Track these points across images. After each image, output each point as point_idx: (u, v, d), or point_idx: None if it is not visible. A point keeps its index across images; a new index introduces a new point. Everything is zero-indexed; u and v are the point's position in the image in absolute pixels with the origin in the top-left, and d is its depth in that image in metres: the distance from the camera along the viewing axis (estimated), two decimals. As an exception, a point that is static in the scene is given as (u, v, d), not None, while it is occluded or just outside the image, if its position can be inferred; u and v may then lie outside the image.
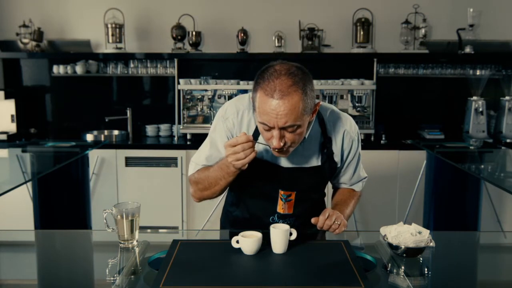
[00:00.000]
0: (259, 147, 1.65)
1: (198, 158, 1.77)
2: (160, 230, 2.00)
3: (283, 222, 1.69)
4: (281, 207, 1.70)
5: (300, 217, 1.72)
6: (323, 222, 1.57)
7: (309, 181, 1.71)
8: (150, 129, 4.14)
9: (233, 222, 1.84)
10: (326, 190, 1.88)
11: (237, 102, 1.71)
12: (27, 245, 1.80)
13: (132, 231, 1.55)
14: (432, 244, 1.48)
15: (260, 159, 1.65)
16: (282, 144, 1.49)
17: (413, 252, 1.47)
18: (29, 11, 4.11)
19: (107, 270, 1.44)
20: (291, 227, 1.60)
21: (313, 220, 1.59)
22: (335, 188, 1.91)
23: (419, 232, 1.49)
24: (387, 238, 1.51)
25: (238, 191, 1.79)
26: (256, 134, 1.66)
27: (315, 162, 1.70)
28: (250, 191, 1.72)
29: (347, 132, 1.72)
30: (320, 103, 1.62)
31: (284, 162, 1.68)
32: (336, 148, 1.72)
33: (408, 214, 3.70)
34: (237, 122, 1.68)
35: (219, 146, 1.70)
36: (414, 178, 3.66)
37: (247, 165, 1.51)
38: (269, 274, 1.36)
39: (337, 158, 1.73)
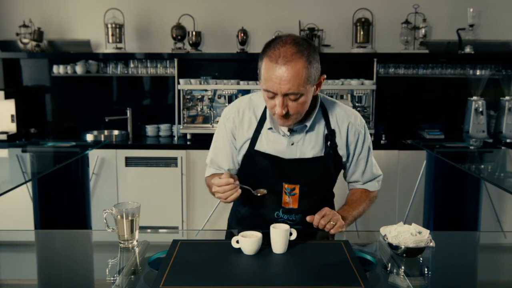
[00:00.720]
0: (261, 138, 1.68)
1: (207, 159, 1.85)
2: (160, 230, 2.00)
3: (288, 218, 1.70)
4: (285, 201, 1.70)
5: (306, 213, 1.70)
6: (318, 221, 1.58)
7: (312, 174, 1.70)
8: (150, 129, 4.14)
9: (240, 221, 1.85)
10: (338, 192, 1.87)
11: (236, 103, 1.77)
12: (27, 245, 1.80)
13: (132, 231, 1.55)
14: (432, 244, 1.48)
15: (263, 153, 1.68)
16: (284, 112, 1.52)
17: (413, 252, 1.47)
18: (29, 11, 4.11)
19: (107, 270, 1.44)
20: (297, 224, 1.61)
21: (308, 218, 1.59)
22: (351, 189, 1.89)
23: (419, 232, 1.49)
24: (387, 238, 1.51)
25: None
26: (258, 130, 1.68)
27: (318, 153, 1.70)
28: (255, 186, 1.72)
29: (352, 125, 1.73)
30: (325, 76, 1.63)
31: (287, 154, 1.68)
32: (340, 140, 1.72)
33: (408, 214, 3.70)
34: (238, 120, 1.72)
35: (220, 147, 1.76)
36: (414, 178, 3.66)
37: (236, 198, 1.55)
38: (269, 274, 1.36)
39: (341, 151, 1.73)
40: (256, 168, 1.69)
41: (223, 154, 1.77)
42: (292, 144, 1.68)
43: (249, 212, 1.80)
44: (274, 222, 1.56)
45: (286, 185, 1.68)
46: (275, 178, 1.68)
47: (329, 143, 1.70)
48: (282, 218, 1.71)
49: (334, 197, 1.89)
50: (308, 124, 1.66)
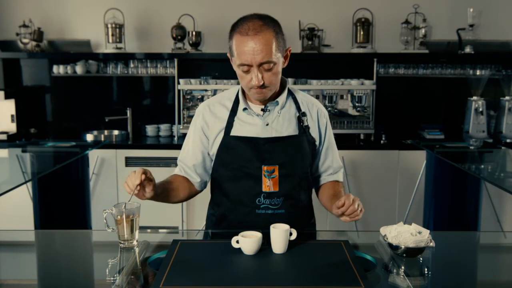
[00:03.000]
0: (236, 124, 1.73)
1: (178, 157, 1.88)
2: (160, 230, 2.00)
3: (270, 203, 1.70)
4: (266, 185, 1.70)
5: (287, 197, 1.72)
6: (347, 207, 1.50)
7: (289, 153, 1.72)
8: (150, 129, 4.14)
9: (219, 222, 1.81)
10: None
11: (206, 100, 1.86)
12: (27, 245, 1.80)
13: (132, 231, 1.55)
14: (432, 244, 1.48)
15: (239, 136, 1.71)
16: (261, 83, 1.60)
17: (413, 252, 1.47)
18: (29, 11, 4.11)
19: (107, 270, 1.44)
20: (279, 208, 1.67)
21: (339, 204, 1.51)
22: (319, 186, 1.88)
23: (419, 232, 1.49)
24: (387, 238, 1.51)
25: (219, 187, 1.79)
26: (232, 116, 1.74)
27: (293, 132, 1.76)
28: (234, 174, 1.73)
29: (321, 111, 1.83)
30: (291, 48, 1.71)
31: (263, 134, 1.72)
32: (312, 122, 1.79)
33: (408, 214, 3.70)
34: (209, 115, 1.79)
35: (189, 143, 1.83)
36: (414, 178, 3.66)
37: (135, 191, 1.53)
38: (269, 274, 1.36)
39: (314, 133, 1.78)
40: (233, 156, 1.71)
41: (189, 150, 1.81)
42: (267, 124, 1.72)
43: (227, 210, 1.77)
44: (256, 210, 1.67)
45: (265, 167, 1.70)
46: (253, 162, 1.70)
47: (302, 123, 1.76)
48: (264, 203, 1.71)
49: (311, 191, 1.88)
50: (280, 101, 1.73)
